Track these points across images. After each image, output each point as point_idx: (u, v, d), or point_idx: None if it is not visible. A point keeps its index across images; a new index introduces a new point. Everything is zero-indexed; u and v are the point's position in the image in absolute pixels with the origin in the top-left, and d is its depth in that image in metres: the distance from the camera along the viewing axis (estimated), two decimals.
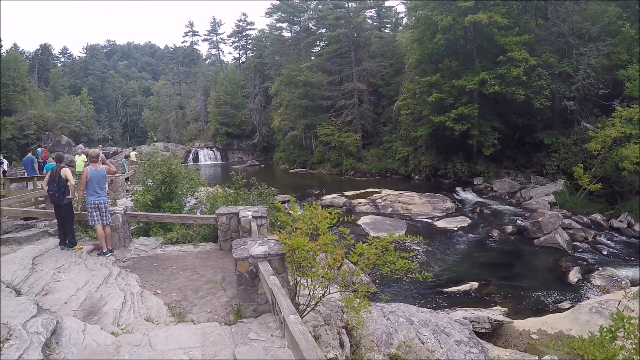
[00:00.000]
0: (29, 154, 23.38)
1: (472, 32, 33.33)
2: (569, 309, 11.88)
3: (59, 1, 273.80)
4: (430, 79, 33.46)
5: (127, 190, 20.64)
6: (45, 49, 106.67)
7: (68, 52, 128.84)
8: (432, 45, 34.16)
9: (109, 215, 9.33)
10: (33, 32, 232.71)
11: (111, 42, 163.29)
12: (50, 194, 9.36)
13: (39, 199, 14.67)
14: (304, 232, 5.89)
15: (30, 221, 12.22)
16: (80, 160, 20.14)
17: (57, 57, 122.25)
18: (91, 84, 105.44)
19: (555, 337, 9.67)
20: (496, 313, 11.47)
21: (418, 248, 18.69)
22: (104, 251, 9.13)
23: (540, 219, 20.59)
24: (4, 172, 26.31)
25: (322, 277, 5.74)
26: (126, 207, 10.50)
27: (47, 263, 8.52)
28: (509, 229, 21.65)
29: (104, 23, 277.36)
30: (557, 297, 14.14)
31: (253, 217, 9.02)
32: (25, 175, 20.63)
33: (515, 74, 28.92)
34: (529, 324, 10.72)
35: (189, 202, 15.14)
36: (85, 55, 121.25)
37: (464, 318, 9.60)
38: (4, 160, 28.72)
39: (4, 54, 68.51)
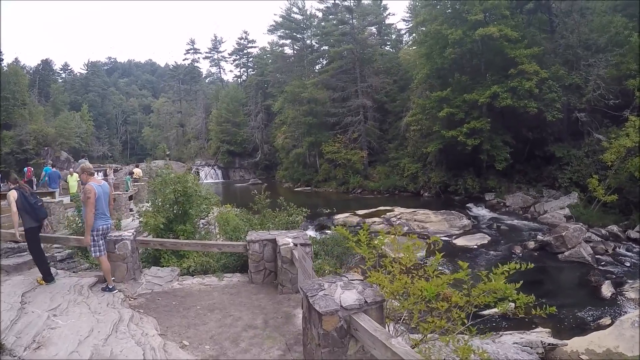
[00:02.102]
0: (54, 169, 22.68)
1: (479, 46, 32.78)
2: (610, 325, 11.22)
3: (62, 18, 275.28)
4: (441, 93, 32.96)
5: (131, 210, 19.64)
6: (46, 64, 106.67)
7: (69, 68, 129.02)
8: (442, 60, 33.64)
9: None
10: (35, 48, 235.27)
11: (112, 60, 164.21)
12: None
13: None
14: (401, 269, 4.88)
15: (24, 244, 10.32)
16: (73, 180, 19.08)
17: (58, 72, 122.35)
18: (91, 100, 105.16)
19: (605, 356, 9.06)
20: (544, 335, 10.77)
21: (440, 268, 17.75)
22: (110, 287, 7.55)
23: (563, 233, 19.78)
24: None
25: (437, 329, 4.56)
26: (135, 231, 8.91)
27: (40, 302, 6.78)
28: (531, 244, 20.87)
29: (105, 41, 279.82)
30: (595, 314, 13.44)
31: (295, 244, 7.72)
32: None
33: (528, 86, 28.51)
34: (576, 344, 9.98)
35: (199, 223, 13.83)
36: (86, 71, 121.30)
37: (514, 343, 9.07)
38: None
39: (4, 68, 68.42)
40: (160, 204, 11.17)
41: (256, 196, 12.57)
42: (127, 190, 22.95)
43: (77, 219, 11.22)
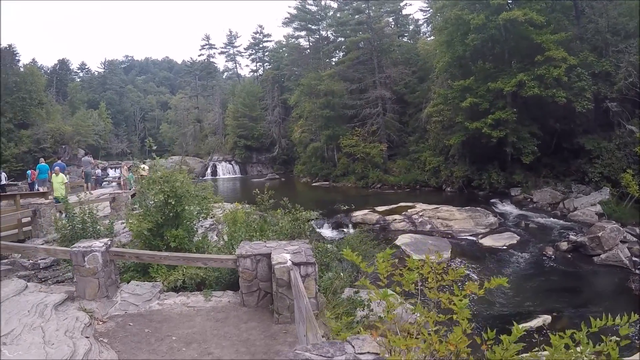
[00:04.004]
0: (59, 160, 22.36)
1: (503, 32, 31.03)
2: None
3: (78, 18, 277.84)
4: (464, 82, 31.40)
5: (134, 209, 18.63)
6: (63, 64, 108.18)
7: (86, 67, 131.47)
8: (463, 47, 32.05)
9: None
10: (52, 48, 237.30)
11: (129, 58, 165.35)
12: None
13: (24, 220, 12.44)
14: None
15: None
16: (58, 181, 18.04)
17: (76, 72, 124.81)
18: (109, 98, 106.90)
19: None
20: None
21: (468, 271, 16.61)
22: None
23: (600, 234, 18.40)
24: (2, 186, 25.07)
25: None
26: (109, 242, 7.79)
27: None
28: (564, 245, 19.49)
29: (122, 39, 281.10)
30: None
31: (294, 263, 6.38)
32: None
33: (556, 74, 26.88)
34: None
35: (202, 225, 12.44)
36: (103, 70, 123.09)
37: None
38: (2, 173, 27.64)
39: (21, 68, 69.09)
40: (151, 205, 9.68)
41: (258, 195, 11.16)
42: (130, 189, 22.03)
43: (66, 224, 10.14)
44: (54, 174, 18.63)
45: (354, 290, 8.85)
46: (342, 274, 9.55)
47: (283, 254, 6.72)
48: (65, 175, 21.01)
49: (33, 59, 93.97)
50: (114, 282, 7.75)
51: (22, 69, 69.15)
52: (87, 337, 5.82)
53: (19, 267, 9.68)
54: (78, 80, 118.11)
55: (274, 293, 6.60)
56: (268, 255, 6.92)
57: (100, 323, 6.49)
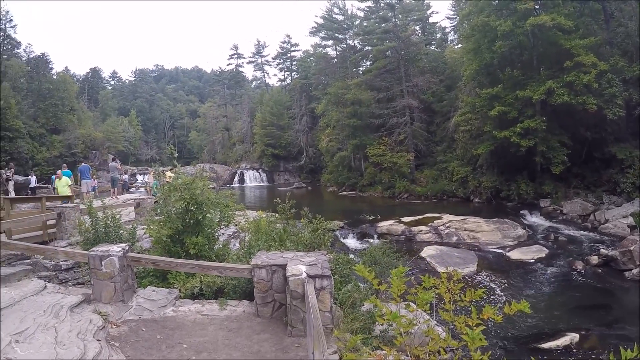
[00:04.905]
0: (83, 163, 23.99)
1: (530, 38, 30.60)
2: None
3: (110, 29, 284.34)
4: (492, 90, 30.94)
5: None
6: (95, 72, 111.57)
7: (117, 75, 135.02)
8: (490, 54, 31.66)
9: None
10: (84, 57, 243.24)
11: (159, 67, 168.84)
12: None
13: (49, 222, 12.55)
14: None
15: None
16: (62, 185, 18.59)
17: (107, 80, 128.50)
18: (140, 106, 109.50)
19: None
20: None
21: (493, 286, 16.36)
22: None
23: (631, 248, 17.79)
24: (33, 189, 25.85)
25: None
26: (126, 247, 7.85)
27: (10, 322, 5.96)
28: (594, 259, 18.82)
29: (152, 49, 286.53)
30: None
31: (309, 275, 6.22)
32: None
33: (586, 80, 26.17)
34: None
35: (224, 233, 12.58)
36: (134, 79, 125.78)
37: None
38: (33, 176, 28.64)
39: (54, 76, 72.32)
40: (168, 213, 9.74)
41: (279, 205, 11.00)
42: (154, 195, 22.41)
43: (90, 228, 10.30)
44: (57, 179, 19.29)
45: (374, 304, 8.75)
46: (362, 286, 9.45)
47: (298, 266, 6.60)
48: (85, 179, 22.03)
49: (66, 67, 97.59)
50: (131, 286, 7.79)
51: (55, 77, 72.42)
52: (98, 340, 5.88)
53: (40, 268, 9.82)
54: (109, 88, 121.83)
55: (288, 305, 6.49)
56: (284, 266, 6.79)
57: (114, 327, 6.52)
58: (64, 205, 12.94)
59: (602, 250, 19.44)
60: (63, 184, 18.43)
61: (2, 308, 6.50)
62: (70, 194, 17.46)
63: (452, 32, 60.32)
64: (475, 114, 34.39)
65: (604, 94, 26.80)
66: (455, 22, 56.35)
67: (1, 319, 6.08)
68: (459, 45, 45.39)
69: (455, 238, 22.82)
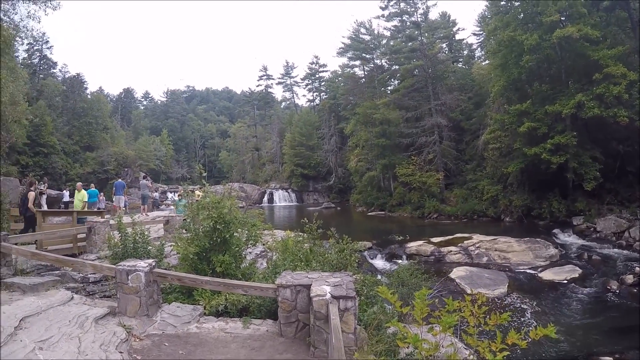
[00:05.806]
0: (120, 179, 25.09)
1: (558, 51, 30.17)
2: None
3: (143, 50, 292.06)
4: (520, 106, 30.55)
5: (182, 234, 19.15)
6: (128, 92, 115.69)
7: (150, 96, 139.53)
8: (518, 69, 31.32)
9: None
10: (118, 78, 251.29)
11: (190, 88, 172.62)
12: None
13: (79, 235, 12.97)
14: None
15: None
16: (78, 198, 19.03)
17: (140, 100, 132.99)
18: (171, 126, 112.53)
19: None
20: None
21: (524, 307, 16.11)
22: None
23: None
24: (66, 203, 26.72)
25: None
26: (153, 263, 8.01)
27: (35, 330, 6.20)
28: (629, 279, 18.28)
29: (184, 71, 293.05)
30: None
31: (333, 296, 6.16)
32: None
33: (616, 92, 25.60)
34: None
35: (252, 252, 12.58)
36: (166, 99, 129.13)
37: None
38: (67, 191, 29.64)
39: (89, 96, 75.55)
40: (196, 231, 9.84)
41: (306, 225, 10.92)
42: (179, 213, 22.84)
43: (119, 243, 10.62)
44: (76, 190, 19.89)
45: (402, 325, 8.71)
46: (388, 308, 9.43)
47: (323, 286, 6.56)
48: (119, 197, 23.10)
49: (100, 87, 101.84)
50: (156, 301, 7.90)
51: (89, 96, 75.61)
52: (120, 353, 5.96)
53: (69, 279, 10.05)
54: (142, 108, 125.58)
55: (312, 326, 6.41)
56: (308, 287, 6.75)
57: (137, 340, 6.60)
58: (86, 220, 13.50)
59: (637, 268, 18.95)
60: (79, 197, 19.00)
61: (30, 315, 6.78)
62: (84, 209, 18.13)
63: (479, 49, 60.11)
64: (505, 131, 33.97)
65: (635, 105, 26.25)
66: (482, 38, 56.12)
67: (27, 327, 6.32)
68: (486, 62, 45.11)
69: (485, 258, 22.50)
